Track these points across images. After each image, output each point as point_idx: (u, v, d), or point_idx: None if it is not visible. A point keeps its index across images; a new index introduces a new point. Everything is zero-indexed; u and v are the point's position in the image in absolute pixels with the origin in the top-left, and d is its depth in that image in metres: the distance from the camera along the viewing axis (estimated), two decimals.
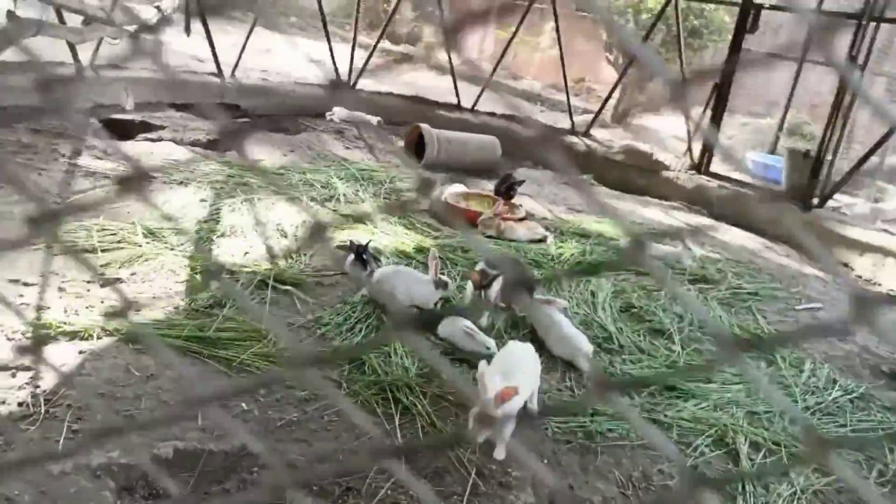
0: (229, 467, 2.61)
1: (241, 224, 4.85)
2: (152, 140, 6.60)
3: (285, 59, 11.13)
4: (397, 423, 3.06)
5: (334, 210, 5.66)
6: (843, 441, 3.39)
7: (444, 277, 4.20)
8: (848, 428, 3.59)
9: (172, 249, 4.21)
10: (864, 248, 6.68)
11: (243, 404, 2.96)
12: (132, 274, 3.86)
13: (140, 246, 4.14)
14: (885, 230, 7.11)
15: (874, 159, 8.88)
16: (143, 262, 4.00)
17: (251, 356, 3.30)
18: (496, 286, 4.06)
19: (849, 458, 3.32)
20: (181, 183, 5.51)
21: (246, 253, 4.46)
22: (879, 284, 6.33)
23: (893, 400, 3.99)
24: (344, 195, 6.04)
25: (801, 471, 3.12)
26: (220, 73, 8.86)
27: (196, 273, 3.95)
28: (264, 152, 7.01)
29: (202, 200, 5.17)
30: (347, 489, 2.65)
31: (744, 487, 2.94)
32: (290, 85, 9.60)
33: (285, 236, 4.84)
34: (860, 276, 6.52)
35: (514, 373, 2.97)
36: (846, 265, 6.76)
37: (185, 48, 9.27)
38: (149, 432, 2.62)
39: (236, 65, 9.11)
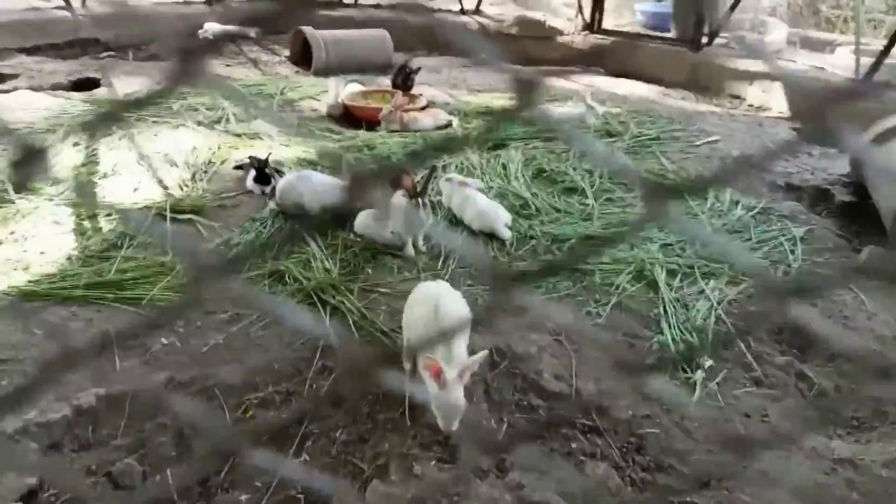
0: (158, 404, 2.52)
1: (123, 161, 4.50)
2: (5, 91, 5.95)
3: None
4: (328, 323, 3.02)
5: (225, 131, 5.33)
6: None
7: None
8: (753, 240, 3.81)
9: (51, 200, 3.88)
10: (752, 77, 6.90)
11: (163, 339, 2.84)
12: (11, 233, 3.55)
13: (13, 202, 3.79)
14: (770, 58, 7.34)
15: None
16: (21, 219, 3.68)
17: (161, 291, 3.14)
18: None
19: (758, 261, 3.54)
20: (48, 130, 5.03)
21: (135, 189, 4.17)
22: (769, 109, 6.60)
23: (790, 208, 4.24)
24: (233, 114, 5.68)
25: (716, 286, 3.30)
26: (68, 6, 7.96)
27: (82, 219, 3.67)
28: (137, 83, 6.45)
29: (75, 145, 4.75)
30: (289, 394, 2.62)
31: (665, 310, 3.10)
32: (150, 6, 8.76)
33: (175, 165, 4.53)
34: (752, 105, 6.76)
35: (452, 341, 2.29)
36: (738, 97, 6.99)
37: None
38: (65, 385, 2.48)
39: None
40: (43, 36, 7.62)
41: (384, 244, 3.70)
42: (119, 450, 2.29)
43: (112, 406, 2.48)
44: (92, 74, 6.77)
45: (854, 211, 4.29)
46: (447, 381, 2.18)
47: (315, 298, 3.19)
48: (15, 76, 6.41)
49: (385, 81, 7.05)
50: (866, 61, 6.25)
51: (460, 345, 2.34)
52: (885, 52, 6.10)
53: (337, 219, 3.77)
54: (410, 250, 3.64)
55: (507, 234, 3.87)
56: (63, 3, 7.96)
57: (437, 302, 2.42)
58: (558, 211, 4.22)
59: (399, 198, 3.60)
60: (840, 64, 6.88)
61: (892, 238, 3.65)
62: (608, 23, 9.05)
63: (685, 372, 2.75)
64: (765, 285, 0.68)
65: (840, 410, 2.61)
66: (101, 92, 6.25)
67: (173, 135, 5.09)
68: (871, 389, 2.71)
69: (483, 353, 2.31)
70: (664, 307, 3.13)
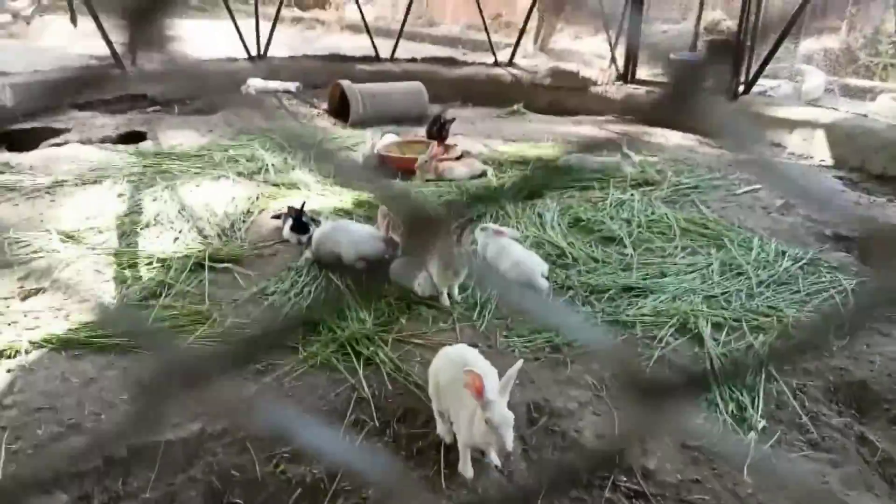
0: (191, 454, 2.48)
1: (165, 211, 4.60)
2: (58, 144, 6.19)
3: (189, 41, 10.56)
4: (361, 374, 2.96)
5: (264, 181, 5.43)
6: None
7: (395, 237, 4.04)
8: (802, 293, 3.66)
9: (94, 249, 3.96)
10: (792, 125, 6.79)
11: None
12: (53, 281, 3.62)
13: (58, 252, 3.88)
14: (810, 105, 7.25)
15: (789, 44, 9.00)
16: (65, 268, 3.75)
17: (198, 340, 3.14)
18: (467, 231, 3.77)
19: (808, 314, 3.39)
20: (95, 182, 5.19)
21: (176, 239, 4.23)
22: (811, 157, 6.47)
23: (839, 259, 4.09)
24: (272, 165, 5.80)
25: (764, 340, 3.16)
26: (118, 63, 8.32)
27: (123, 268, 3.72)
28: (182, 136, 6.66)
29: (119, 195, 4.88)
30: None
31: (712, 365, 2.97)
32: (197, 62, 9.11)
33: (216, 216, 4.61)
34: (793, 153, 6.64)
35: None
36: (779, 144, 6.88)
37: (71, 39, 8.68)
38: (99, 435, 2.46)
39: (135, 55, 8.56)
40: (95, 91, 7.97)
41: (420, 294, 3.65)
42: (149, 503, 2.25)
43: (143, 457, 2.44)
44: (138, 128, 7.02)
45: None
46: (489, 398, 2.15)
47: (349, 349, 3.14)
48: (67, 130, 6.68)
49: (420, 132, 7.15)
50: None
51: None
52: None
53: (372, 270, 3.77)
54: (446, 300, 3.59)
55: (544, 284, 3.79)
56: (114, 61, 8.33)
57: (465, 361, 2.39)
58: (596, 261, 4.14)
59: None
60: (882, 111, 6.74)
61: None
62: (641, 73, 9.10)
63: (736, 433, 2.60)
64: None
65: None
66: (146, 145, 6.46)
67: (214, 185, 5.20)
68: None
69: (520, 363, 2.26)
70: (710, 363, 2.99)
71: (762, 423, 2.64)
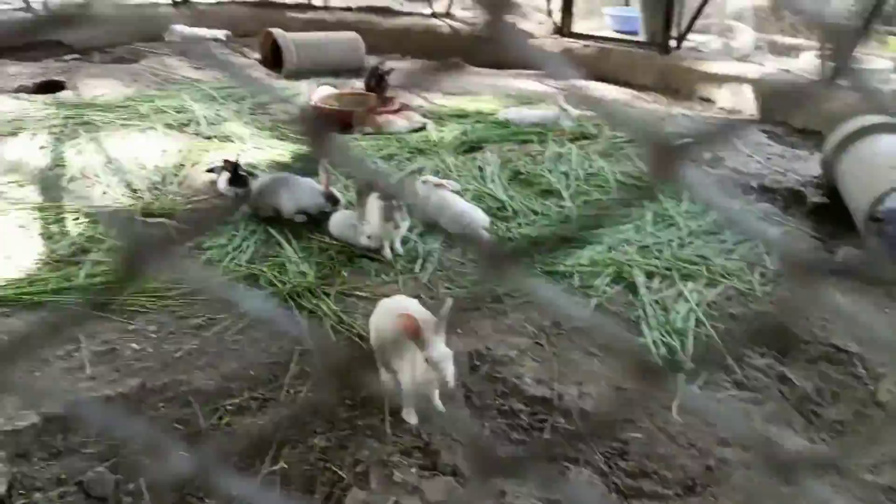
0: (132, 409, 2.44)
1: (91, 164, 4.38)
2: None
3: None
4: (305, 327, 2.96)
5: (195, 134, 5.22)
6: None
7: (336, 192, 3.98)
8: (729, 242, 3.84)
9: (16, 204, 3.75)
10: (722, 80, 7.00)
11: (134, 345, 2.75)
12: None
13: None
14: (739, 60, 7.47)
15: (719, 2, 9.19)
16: None
17: (133, 296, 3.04)
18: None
19: (735, 262, 3.58)
20: (12, 134, 4.87)
21: (104, 193, 4.05)
22: (740, 112, 6.70)
23: (764, 210, 4.30)
24: (204, 117, 5.58)
25: (694, 288, 3.32)
26: (28, 7, 7.74)
27: (49, 223, 3.55)
28: (104, 86, 6.30)
29: (41, 148, 4.61)
30: (265, 401, 2.56)
31: (645, 313, 3.10)
32: (117, 7, 8.57)
33: (145, 169, 4.42)
34: (723, 108, 6.87)
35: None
36: (708, 99, 7.09)
37: None
38: (34, 393, 2.38)
39: None
40: (2, 38, 7.40)
41: (361, 247, 3.64)
42: (90, 458, 2.21)
43: (82, 413, 2.38)
44: (56, 77, 6.59)
45: (827, 212, 4.36)
46: (426, 338, 2.20)
47: (291, 303, 3.12)
48: None
49: (358, 84, 7.00)
50: (830, 65, 6.39)
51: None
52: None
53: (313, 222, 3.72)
54: (388, 252, 3.60)
55: (485, 236, 3.84)
56: (23, 4, 7.74)
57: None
58: (535, 213, 4.21)
59: (375, 200, 3.56)
60: (805, 68, 7.03)
61: (865, 239, 3.72)
62: (578, 27, 9.13)
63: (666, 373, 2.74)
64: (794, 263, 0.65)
65: (822, 413, 2.63)
66: (66, 95, 6.08)
67: (142, 138, 4.98)
68: (852, 392, 2.74)
69: (449, 301, 2.30)
70: (644, 309, 3.13)
71: (690, 365, 2.80)
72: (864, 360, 2.86)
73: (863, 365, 2.83)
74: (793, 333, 3.04)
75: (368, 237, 3.60)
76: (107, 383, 2.48)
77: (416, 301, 2.67)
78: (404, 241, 3.69)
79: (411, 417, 2.47)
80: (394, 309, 2.53)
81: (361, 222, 3.61)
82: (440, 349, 2.24)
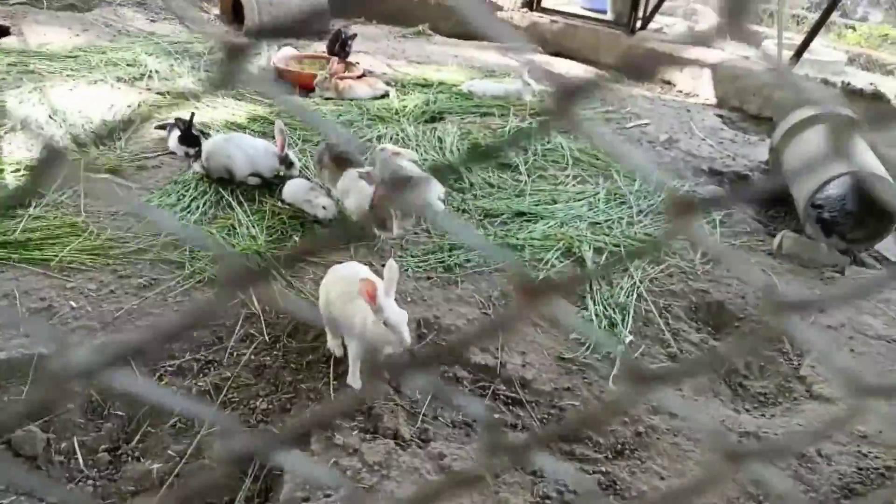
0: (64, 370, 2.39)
1: (33, 115, 4.21)
2: None
3: None
4: (251, 290, 2.92)
5: (147, 89, 5.06)
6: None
7: (291, 155, 3.91)
8: None
9: None
10: (683, 63, 7.08)
11: (72, 303, 2.68)
12: None
13: None
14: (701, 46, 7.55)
15: None
16: None
17: (73, 253, 2.97)
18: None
19: (679, 242, 3.67)
20: None
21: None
22: (697, 95, 6.81)
23: (712, 192, 4.41)
24: (157, 72, 5.40)
25: (639, 265, 3.40)
26: None
27: None
28: (52, 34, 6.03)
29: None
30: (207, 363, 2.54)
31: (591, 287, 3.17)
32: None
33: (91, 123, 4.27)
34: (681, 90, 6.96)
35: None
36: (669, 82, 7.18)
37: None
38: None
39: None
40: None
41: (313, 215, 3.60)
42: (20, 416, 2.16)
43: (14, 371, 2.33)
44: (1, 22, 6.27)
45: (771, 197, 4.49)
46: (381, 302, 2.23)
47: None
48: None
49: (320, 47, 6.85)
50: (787, 54, 6.53)
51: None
52: (805, 45, 6.40)
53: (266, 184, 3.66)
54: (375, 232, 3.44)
55: (440, 206, 3.84)
56: None
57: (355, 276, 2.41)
58: (492, 186, 4.23)
59: (353, 176, 3.46)
60: (764, 55, 7.16)
61: (804, 224, 3.85)
62: (547, 2, 9.09)
63: (607, 347, 2.82)
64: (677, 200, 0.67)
65: (748, 385, 2.75)
66: (10, 41, 5.80)
67: (90, 90, 4.80)
68: (777, 367, 2.86)
69: (391, 262, 2.31)
70: (589, 284, 3.20)
71: (629, 338, 2.88)
72: (791, 337, 2.98)
73: (789, 342, 2.96)
74: (728, 309, 3.15)
75: (324, 208, 3.55)
76: (42, 341, 2.43)
77: (366, 268, 2.67)
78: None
79: (356, 382, 2.49)
80: (346, 274, 2.53)
81: (323, 190, 3.55)
82: (395, 311, 2.27)
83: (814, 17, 9.43)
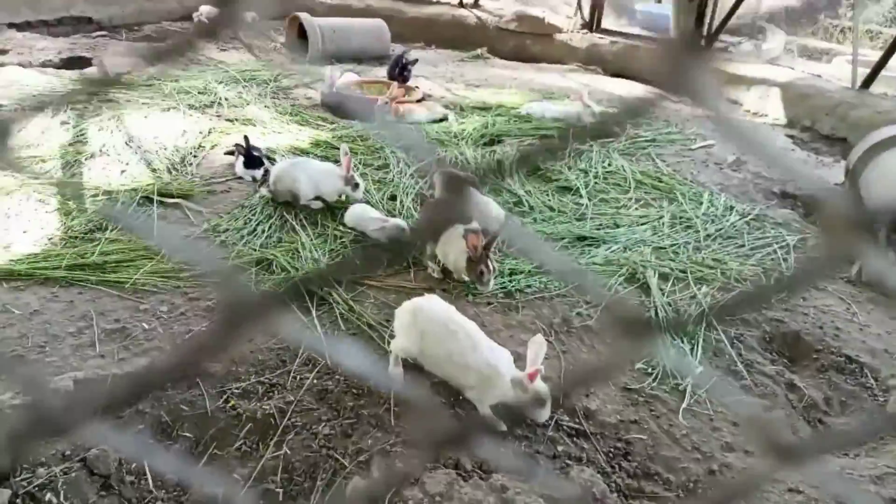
0: (138, 390, 2.46)
1: (111, 142, 4.42)
2: None
3: None
4: (314, 314, 2.96)
5: (217, 116, 5.25)
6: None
7: (357, 177, 3.96)
8: (746, 247, 3.79)
9: (37, 178, 3.80)
10: (750, 82, 6.88)
11: (144, 324, 2.77)
12: None
13: None
14: (769, 63, 7.34)
15: (752, 0, 9.02)
16: (5, 197, 3.59)
17: (145, 275, 3.08)
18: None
19: (751, 267, 3.53)
20: (37, 108, 4.92)
21: (123, 171, 4.09)
22: (766, 115, 6.59)
23: (784, 216, 4.23)
24: (226, 99, 5.61)
25: (707, 291, 3.28)
26: None
27: (67, 199, 3.59)
28: (129, 64, 6.34)
29: (63, 123, 4.66)
30: (271, 386, 2.57)
31: (657, 314, 3.07)
32: None
33: (165, 149, 4.45)
34: (748, 110, 6.75)
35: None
36: (735, 101, 6.98)
37: None
38: (42, 367, 2.42)
39: None
40: (34, 12, 7.49)
41: (374, 238, 3.63)
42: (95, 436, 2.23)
43: (88, 390, 2.41)
44: (83, 53, 6.66)
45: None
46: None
47: (302, 289, 3.13)
48: (4, 52, 6.29)
49: (381, 72, 6.99)
50: (863, 72, 6.25)
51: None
52: (882, 63, 6.11)
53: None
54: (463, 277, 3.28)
55: (498, 229, 3.81)
56: None
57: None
58: (552, 210, 4.18)
59: (458, 237, 3.16)
60: (837, 73, 6.88)
61: (885, 249, 3.64)
62: (607, 23, 9.02)
63: (674, 378, 2.72)
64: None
65: (829, 422, 2.59)
66: (91, 71, 6.14)
67: (163, 117, 5.01)
68: (860, 402, 2.69)
69: (538, 338, 2.35)
70: (655, 311, 3.10)
71: (699, 369, 2.76)
72: (875, 371, 2.80)
73: (874, 376, 2.78)
74: (804, 340, 2.99)
75: (433, 270, 3.35)
76: (115, 362, 2.51)
77: (451, 307, 2.63)
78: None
79: (501, 425, 2.43)
80: (439, 315, 2.54)
81: (432, 253, 3.34)
82: (543, 385, 2.34)
83: (890, 31, 9.03)
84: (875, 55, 6.70)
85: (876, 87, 6.22)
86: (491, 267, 3.11)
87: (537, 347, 2.32)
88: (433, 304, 2.63)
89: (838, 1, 11.69)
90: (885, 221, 3.62)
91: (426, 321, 2.54)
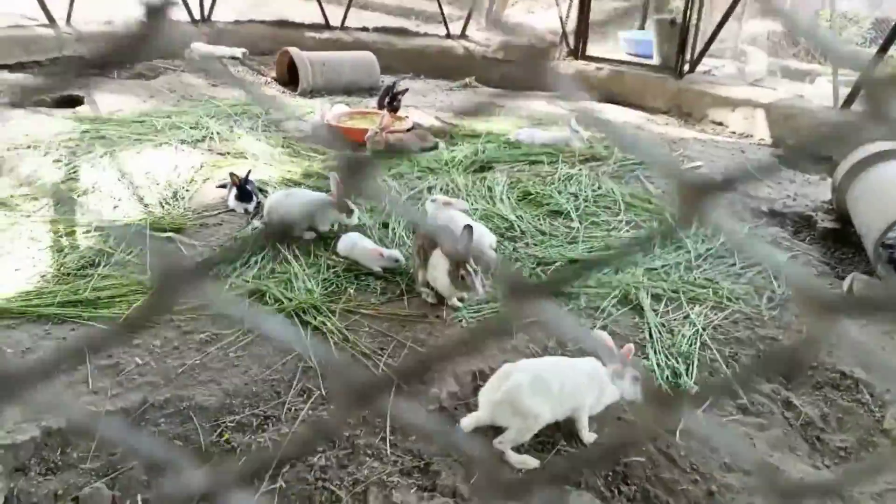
0: (132, 424, 2.44)
1: (104, 179, 4.44)
2: None
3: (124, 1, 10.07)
4: (308, 343, 2.95)
5: (209, 150, 5.29)
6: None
7: (349, 203, 3.96)
8: (737, 266, 3.81)
9: (29, 217, 3.80)
10: (735, 104, 6.99)
11: (137, 359, 2.76)
12: None
13: None
14: (753, 85, 7.46)
15: (734, 25, 9.21)
16: None
17: (139, 310, 3.06)
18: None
19: (742, 286, 3.55)
20: (29, 147, 4.96)
21: (115, 207, 4.10)
22: (751, 136, 6.68)
23: (774, 234, 4.27)
24: (217, 133, 5.65)
25: (701, 311, 3.29)
26: (52, 23, 7.91)
27: (60, 236, 3.59)
28: (121, 101, 6.41)
29: (56, 161, 4.68)
30: (265, 418, 2.55)
31: (651, 335, 3.08)
32: (136, 24, 8.72)
33: (157, 184, 4.47)
34: (734, 132, 6.85)
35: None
36: (721, 123, 7.07)
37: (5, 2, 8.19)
38: (34, 405, 2.39)
39: (70, 13, 8.16)
40: (26, 53, 7.57)
41: (367, 267, 3.64)
42: (88, 474, 2.21)
43: (81, 428, 2.39)
44: (75, 92, 6.71)
45: (836, 237, 4.32)
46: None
47: (296, 319, 3.13)
48: None
49: (371, 103, 7.07)
50: (844, 91, 6.37)
51: None
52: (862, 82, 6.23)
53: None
54: (456, 303, 3.34)
55: (492, 255, 3.83)
56: (47, 21, 7.91)
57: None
58: (543, 234, 4.21)
59: (441, 257, 3.19)
60: (819, 93, 7.01)
61: (874, 265, 3.68)
62: (592, 50, 9.18)
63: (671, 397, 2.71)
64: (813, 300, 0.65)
65: (826, 440, 2.58)
66: (83, 109, 6.19)
67: (155, 153, 5.04)
68: (857, 419, 2.69)
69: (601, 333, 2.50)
70: (650, 332, 3.10)
71: (695, 389, 2.76)
72: (870, 387, 2.81)
73: (869, 392, 2.78)
74: (797, 359, 2.99)
75: (427, 295, 3.36)
76: (108, 398, 2.49)
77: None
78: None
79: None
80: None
81: (423, 280, 3.35)
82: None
83: (870, 52, 9.21)
84: (855, 75, 6.83)
85: (857, 106, 6.34)
86: (471, 269, 3.06)
87: (605, 338, 2.57)
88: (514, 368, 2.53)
89: (818, 24, 11.94)
90: (874, 237, 3.66)
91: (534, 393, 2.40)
